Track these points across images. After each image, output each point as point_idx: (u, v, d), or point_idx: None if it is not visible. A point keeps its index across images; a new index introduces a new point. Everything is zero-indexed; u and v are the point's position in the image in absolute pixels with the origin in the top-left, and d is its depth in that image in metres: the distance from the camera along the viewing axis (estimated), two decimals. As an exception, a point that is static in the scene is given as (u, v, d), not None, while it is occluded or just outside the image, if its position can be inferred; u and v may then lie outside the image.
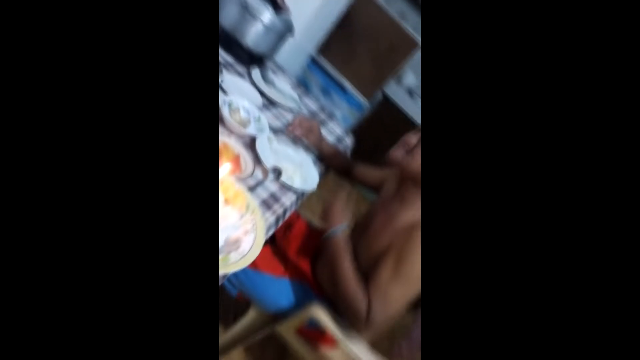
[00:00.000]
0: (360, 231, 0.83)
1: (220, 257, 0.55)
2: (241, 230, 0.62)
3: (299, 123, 0.98)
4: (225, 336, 0.99)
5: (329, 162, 1.03)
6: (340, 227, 0.78)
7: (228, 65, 1.12)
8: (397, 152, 0.76)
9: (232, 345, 0.99)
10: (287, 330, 0.90)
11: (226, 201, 0.64)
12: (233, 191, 0.66)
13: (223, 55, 1.14)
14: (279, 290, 0.90)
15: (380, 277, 0.70)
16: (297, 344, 0.92)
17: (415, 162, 0.73)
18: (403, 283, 0.69)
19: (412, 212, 0.74)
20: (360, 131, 1.92)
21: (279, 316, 0.91)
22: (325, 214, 0.82)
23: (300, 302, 0.89)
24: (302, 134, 0.97)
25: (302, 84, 1.55)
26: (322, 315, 0.81)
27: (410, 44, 1.67)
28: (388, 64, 1.74)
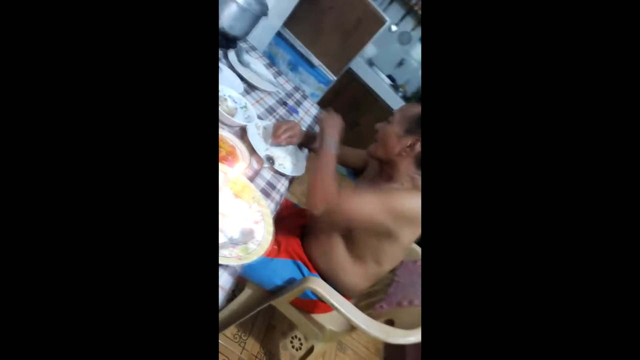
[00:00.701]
0: None
1: (240, 247, 0.61)
2: (252, 220, 0.68)
3: (282, 132, 0.96)
4: (221, 314, 1.05)
5: (313, 149, 1.08)
6: (332, 140, 0.92)
7: (203, 48, 1.09)
8: (375, 147, 0.88)
9: (228, 322, 1.06)
10: (282, 303, 0.99)
11: (235, 195, 0.68)
12: (240, 185, 0.70)
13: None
14: (274, 270, 0.97)
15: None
16: (290, 312, 1.01)
17: (391, 151, 0.83)
18: (374, 202, 0.81)
19: (397, 184, 0.84)
20: (323, 102, 1.97)
21: (276, 291, 0.99)
22: (320, 134, 0.95)
23: (295, 279, 0.97)
24: (287, 141, 0.97)
25: (269, 59, 1.54)
26: (317, 285, 0.90)
27: (377, 20, 1.70)
28: (356, 41, 1.77)
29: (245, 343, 1.23)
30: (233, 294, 1.12)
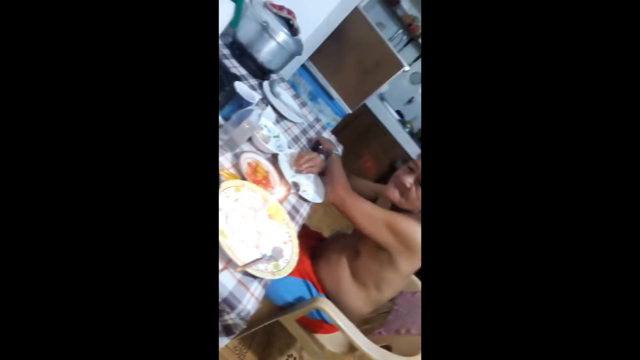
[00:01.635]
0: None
1: (273, 264, 0.69)
2: (281, 240, 0.77)
3: (304, 162, 1.04)
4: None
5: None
6: (334, 152, 1.14)
7: (242, 78, 1.21)
8: (393, 193, 0.93)
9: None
10: (289, 319, 1.05)
11: (270, 216, 0.77)
12: (274, 207, 0.79)
13: (238, 68, 1.23)
14: (285, 287, 1.04)
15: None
16: (294, 329, 1.07)
17: (411, 204, 0.90)
18: (378, 212, 0.90)
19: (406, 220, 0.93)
20: (335, 131, 2.10)
21: (285, 307, 1.05)
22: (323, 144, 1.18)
23: (304, 298, 1.04)
24: (307, 170, 1.05)
25: (292, 88, 1.67)
26: (326, 306, 0.98)
27: (395, 64, 1.85)
28: (373, 80, 1.92)
29: (244, 356, 1.28)
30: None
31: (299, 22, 1.25)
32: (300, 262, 1.08)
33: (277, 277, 0.67)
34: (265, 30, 1.16)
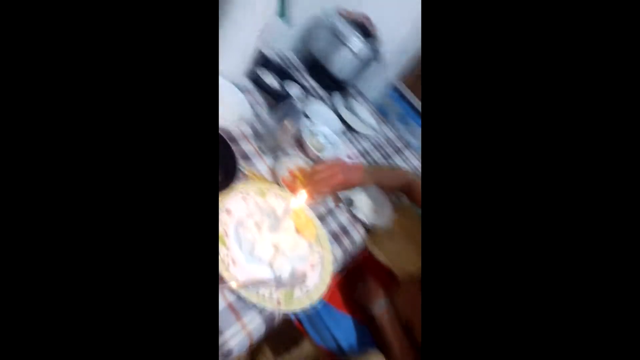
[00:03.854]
0: None
1: (283, 291, 0.52)
2: (308, 263, 0.59)
3: (318, 178, 0.72)
4: (274, 364, 0.95)
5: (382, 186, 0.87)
6: (379, 302, 0.77)
7: (312, 89, 1.14)
8: None
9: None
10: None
11: (296, 230, 0.61)
12: (304, 219, 0.63)
13: (308, 80, 1.17)
14: (339, 327, 0.85)
15: None
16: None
17: None
18: None
19: None
20: None
21: (334, 356, 0.84)
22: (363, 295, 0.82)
23: (360, 346, 0.81)
24: (320, 192, 0.73)
25: (380, 111, 1.51)
26: (380, 366, 0.73)
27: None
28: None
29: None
30: (285, 347, 1.01)
31: (389, 36, 1.13)
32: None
33: (283, 309, 0.49)
34: (336, 36, 1.08)
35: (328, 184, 0.71)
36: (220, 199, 0.55)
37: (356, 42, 1.09)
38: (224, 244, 0.51)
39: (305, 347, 0.90)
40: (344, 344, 0.83)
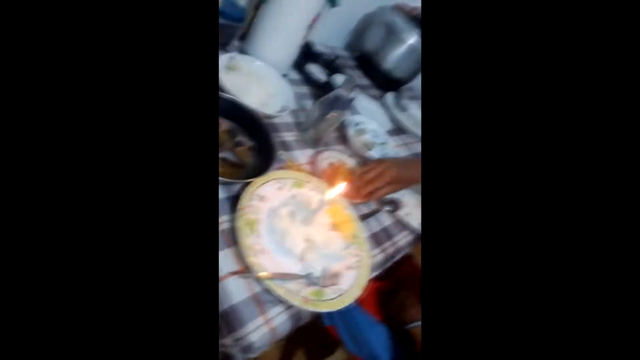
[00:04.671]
0: None
1: (312, 289, 0.47)
2: (344, 263, 0.54)
3: (364, 181, 0.67)
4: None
5: None
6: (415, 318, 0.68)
7: (362, 88, 1.09)
8: None
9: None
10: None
11: (333, 226, 0.57)
12: (342, 216, 0.58)
13: (359, 77, 1.13)
14: (375, 337, 0.77)
15: None
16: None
17: None
18: None
19: None
20: None
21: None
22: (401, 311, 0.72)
23: (397, 357, 0.74)
24: (368, 197, 0.68)
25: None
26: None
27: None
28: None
29: None
30: (320, 351, 0.96)
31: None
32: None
33: (310, 307, 0.45)
34: (392, 32, 1.02)
35: (380, 180, 0.65)
36: (255, 185, 0.53)
37: (414, 37, 1.02)
38: (255, 231, 0.48)
39: (339, 355, 0.84)
40: (381, 354, 0.75)
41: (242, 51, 0.78)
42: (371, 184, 0.65)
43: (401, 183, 0.68)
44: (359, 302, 0.75)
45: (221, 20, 0.70)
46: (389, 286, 0.85)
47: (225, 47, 0.77)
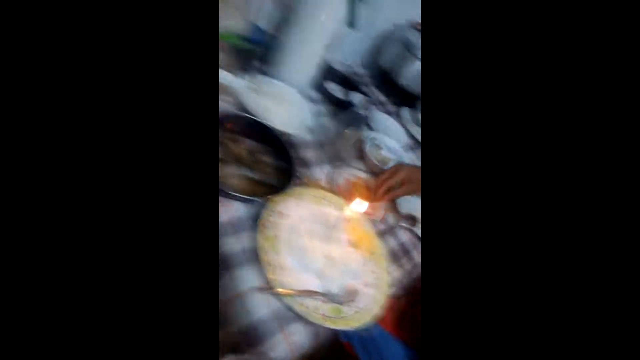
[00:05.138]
0: None
1: (329, 306, 0.48)
2: (362, 280, 0.54)
3: (379, 184, 0.68)
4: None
5: None
6: None
7: (379, 104, 1.10)
8: None
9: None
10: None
11: (351, 242, 0.57)
12: (360, 232, 0.59)
13: (374, 92, 1.14)
14: (392, 354, 0.76)
15: None
16: None
17: None
18: None
19: None
20: None
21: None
22: None
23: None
24: (385, 197, 0.69)
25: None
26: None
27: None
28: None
29: None
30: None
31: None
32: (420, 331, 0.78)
33: (328, 324, 0.45)
34: (407, 49, 1.04)
35: (394, 178, 0.66)
36: (274, 202, 0.54)
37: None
38: (274, 247, 0.50)
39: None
40: None
41: (262, 72, 0.81)
42: (386, 183, 0.67)
43: (415, 184, 0.69)
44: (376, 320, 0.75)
45: (249, 45, 0.74)
46: (407, 303, 0.83)
47: (246, 70, 0.81)
